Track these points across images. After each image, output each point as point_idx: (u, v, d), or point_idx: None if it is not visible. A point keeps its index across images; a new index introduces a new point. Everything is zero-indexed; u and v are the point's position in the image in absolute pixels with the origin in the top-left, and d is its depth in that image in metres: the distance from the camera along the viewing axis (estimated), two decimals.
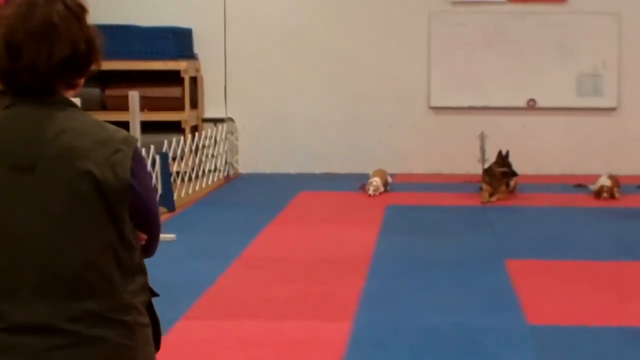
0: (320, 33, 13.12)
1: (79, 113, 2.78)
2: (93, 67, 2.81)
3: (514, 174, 11.11)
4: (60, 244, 2.66)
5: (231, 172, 13.16)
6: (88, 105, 10.85)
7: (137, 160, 2.76)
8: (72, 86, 2.79)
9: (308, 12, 13.15)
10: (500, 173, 11.02)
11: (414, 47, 13.05)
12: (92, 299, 2.68)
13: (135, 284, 2.78)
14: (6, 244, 2.66)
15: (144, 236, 2.85)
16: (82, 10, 2.79)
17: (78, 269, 2.67)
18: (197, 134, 12.16)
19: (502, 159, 11.09)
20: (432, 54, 13.05)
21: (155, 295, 2.92)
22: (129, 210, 2.73)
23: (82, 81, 2.83)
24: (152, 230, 2.88)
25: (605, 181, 11.17)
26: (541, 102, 13.04)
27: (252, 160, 13.35)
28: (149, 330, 2.84)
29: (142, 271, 2.83)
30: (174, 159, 10.85)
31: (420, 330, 6.20)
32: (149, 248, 2.90)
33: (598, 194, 11.09)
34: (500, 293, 7.07)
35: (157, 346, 2.91)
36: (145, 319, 2.82)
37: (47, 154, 2.67)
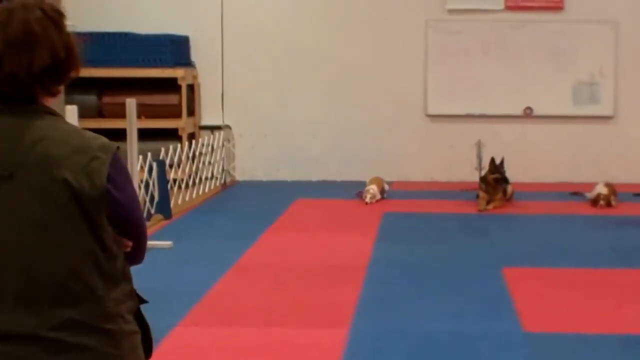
0: (317, 41, 13.13)
1: (59, 121, 2.76)
2: (72, 74, 2.79)
3: (505, 180, 11.11)
4: (39, 252, 2.65)
5: (228, 180, 13.15)
6: (85, 113, 10.82)
7: (116, 166, 2.73)
8: (51, 94, 2.77)
9: (305, 20, 13.16)
10: (492, 180, 11.04)
11: (411, 54, 13.06)
12: (74, 307, 2.66)
13: (118, 291, 2.75)
14: None
15: (130, 243, 2.83)
16: (60, 16, 2.76)
17: (59, 278, 2.65)
18: (194, 141, 12.16)
19: (495, 166, 11.10)
20: (429, 62, 13.06)
21: (144, 302, 2.90)
22: (110, 217, 2.71)
23: (62, 88, 2.81)
24: (137, 236, 2.85)
25: (601, 189, 11.18)
26: (538, 110, 13.05)
27: (249, 167, 13.36)
28: (137, 337, 2.83)
29: (126, 278, 2.81)
30: (170, 166, 10.84)
31: (417, 337, 6.19)
32: (136, 255, 2.88)
33: (595, 202, 11.10)
34: (497, 300, 7.07)
35: (149, 353, 2.90)
36: (132, 327, 2.80)
37: (24, 163, 2.66)
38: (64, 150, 2.67)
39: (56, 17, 2.74)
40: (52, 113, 2.76)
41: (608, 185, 11.30)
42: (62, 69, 2.74)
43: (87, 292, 2.68)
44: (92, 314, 2.68)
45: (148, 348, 2.90)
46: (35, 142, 2.67)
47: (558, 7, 12.95)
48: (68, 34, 2.76)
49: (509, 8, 12.99)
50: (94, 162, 2.68)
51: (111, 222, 2.72)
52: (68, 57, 2.74)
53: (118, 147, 2.78)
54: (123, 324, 2.76)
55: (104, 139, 2.77)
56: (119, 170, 2.74)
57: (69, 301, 2.66)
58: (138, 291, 2.88)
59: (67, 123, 2.79)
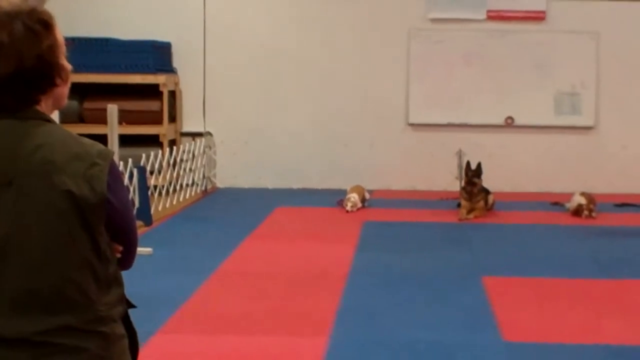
0: (299, 49, 13.14)
1: (55, 128, 2.76)
2: (56, 82, 2.76)
3: (485, 190, 11.16)
4: (36, 259, 2.65)
5: (209, 187, 13.13)
6: (66, 118, 10.85)
7: (114, 173, 2.76)
8: (35, 102, 2.75)
9: (287, 28, 13.16)
10: (467, 182, 11.10)
11: (393, 63, 13.08)
12: (69, 313, 2.68)
13: (111, 295, 2.78)
14: None
15: (120, 248, 2.85)
16: (42, 24, 2.73)
17: (54, 284, 2.66)
18: (175, 147, 12.14)
19: (469, 170, 11.15)
20: (411, 71, 13.08)
21: (133, 306, 2.91)
22: (105, 223, 2.73)
23: (43, 97, 2.77)
24: (129, 242, 2.88)
25: (580, 199, 11.18)
26: (519, 120, 13.09)
27: (229, 174, 13.34)
28: (125, 342, 2.85)
29: (118, 283, 2.83)
30: (151, 172, 10.82)
31: (397, 346, 6.19)
32: (126, 260, 2.90)
33: (577, 212, 11.08)
34: (477, 310, 7.07)
35: (135, 358, 2.91)
36: (121, 330, 2.83)
37: (23, 170, 2.66)
38: (63, 157, 2.68)
39: (37, 28, 2.71)
40: (47, 120, 2.77)
41: (584, 194, 11.31)
42: (34, 77, 2.72)
43: (81, 297, 2.69)
44: (85, 319, 2.70)
45: (134, 353, 2.91)
46: (34, 149, 2.67)
47: (540, 18, 13.00)
48: (50, 44, 2.73)
49: (491, 18, 13.03)
50: (93, 168, 2.70)
51: (106, 228, 2.74)
52: (42, 66, 2.72)
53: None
54: (114, 327, 2.78)
55: (101, 145, 2.79)
56: (115, 177, 2.77)
57: (63, 307, 2.67)
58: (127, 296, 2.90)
59: (63, 129, 2.79)
